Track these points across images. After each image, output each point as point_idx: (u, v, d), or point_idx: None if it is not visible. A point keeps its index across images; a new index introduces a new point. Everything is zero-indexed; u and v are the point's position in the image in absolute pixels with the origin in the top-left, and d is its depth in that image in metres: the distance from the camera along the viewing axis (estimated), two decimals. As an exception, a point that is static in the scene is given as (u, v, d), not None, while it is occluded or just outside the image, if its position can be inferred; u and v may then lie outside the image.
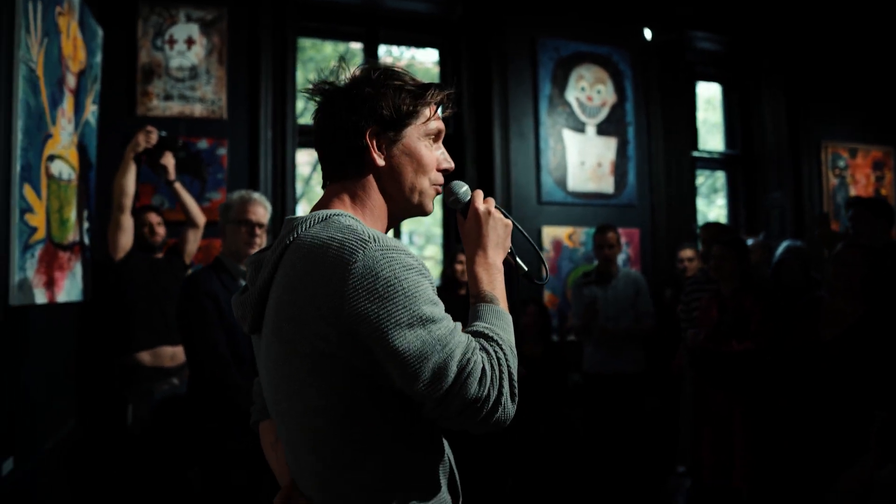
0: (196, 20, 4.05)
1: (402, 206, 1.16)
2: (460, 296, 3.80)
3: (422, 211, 1.19)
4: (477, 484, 3.63)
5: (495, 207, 1.22)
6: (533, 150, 4.85)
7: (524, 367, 3.89)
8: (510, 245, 1.23)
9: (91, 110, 3.39)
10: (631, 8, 5.15)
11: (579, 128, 4.99)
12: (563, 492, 3.90)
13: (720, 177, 6.35)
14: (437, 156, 1.18)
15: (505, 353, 1.00)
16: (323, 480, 1.03)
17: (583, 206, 4.93)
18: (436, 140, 1.18)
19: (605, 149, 5.04)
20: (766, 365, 3.14)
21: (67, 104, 2.99)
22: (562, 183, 4.89)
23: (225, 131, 4.07)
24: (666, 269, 4.95)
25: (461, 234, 1.23)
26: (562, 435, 3.92)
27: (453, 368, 0.94)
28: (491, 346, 1.00)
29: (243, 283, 1.16)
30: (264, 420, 1.27)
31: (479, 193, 1.23)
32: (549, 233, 4.81)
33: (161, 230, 3.32)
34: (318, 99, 1.15)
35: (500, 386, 0.97)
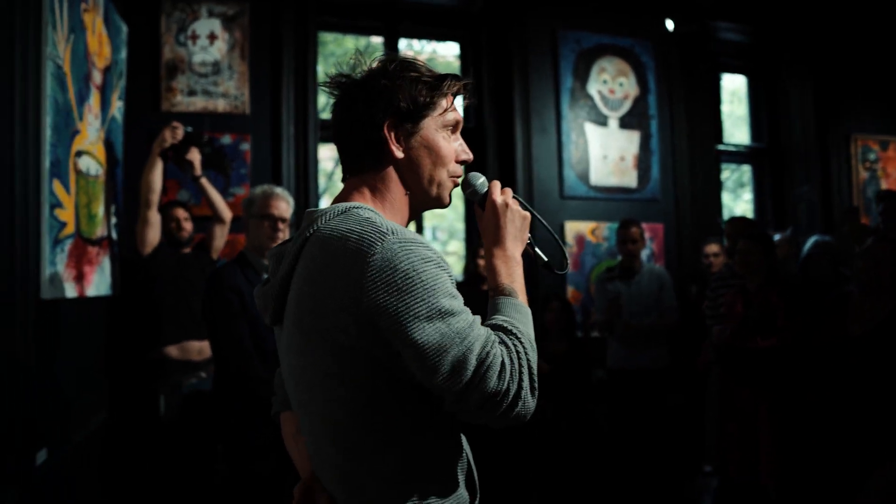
0: (218, 15, 4.07)
1: (421, 199, 1.16)
2: (483, 291, 3.78)
3: (440, 203, 1.18)
4: (500, 481, 3.62)
5: (513, 198, 1.21)
6: (555, 144, 4.81)
7: (548, 363, 3.88)
8: (529, 236, 1.22)
9: (117, 106, 3.43)
10: (654, -1, 5.08)
11: (601, 121, 4.94)
12: (587, 490, 3.87)
13: (746, 171, 6.26)
14: (455, 147, 1.17)
15: (524, 347, 1.00)
16: (342, 472, 1.03)
17: (605, 201, 4.89)
18: (454, 131, 1.17)
19: (628, 142, 4.99)
20: (793, 361, 3.09)
21: (94, 100, 3.02)
22: (584, 177, 4.85)
23: (248, 126, 4.10)
24: (690, 265, 4.89)
25: (479, 226, 1.22)
26: (585, 432, 3.89)
27: (472, 362, 0.94)
28: (510, 339, 1.00)
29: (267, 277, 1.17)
30: (286, 411, 1.28)
31: (497, 185, 1.22)
32: (572, 228, 4.78)
33: (188, 225, 3.35)
34: (335, 93, 1.15)
35: (520, 380, 0.97)
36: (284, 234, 2.55)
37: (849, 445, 2.78)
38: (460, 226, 6.15)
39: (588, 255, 4.80)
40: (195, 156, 3.19)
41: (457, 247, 8.57)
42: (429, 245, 1.01)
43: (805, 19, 5.44)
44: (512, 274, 1.13)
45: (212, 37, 4.06)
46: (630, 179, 4.97)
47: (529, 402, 0.98)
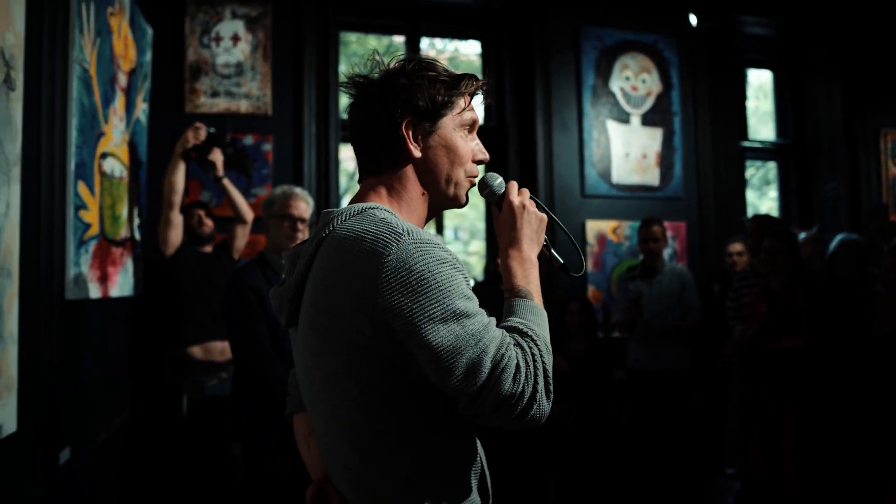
0: (241, 16, 4.11)
1: (438, 198, 1.16)
2: (503, 291, 3.78)
3: (457, 203, 1.18)
4: (520, 483, 3.61)
5: (530, 199, 1.20)
6: (576, 142, 4.77)
7: (568, 364, 3.85)
8: (545, 238, 1.21)
9: (142, 108, 3.47)
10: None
11: (624, 118, 4.89)
12: (607, 492, 3.84)
13: (772, 168, 6.15)
14: (472, 147, 1.17)
15: (539, 349, 0.99)
16: (356, 473, 1.03)
17: (627, 199, 4.84)
18: (471, 131, 1.17)
19: (651, 140, 4.93)
20: (818, 362, 3.04)
21: (119, 102, 3.07)
22: (606, 175, 4.80)
23: (270, 127, 4.13)
24: (714, 264, 4.83)
25: (496, 227, 1.22)
26: (606, 433, 3.86)
27: (487, 364, 0.93)
28: (525, 341, 0.99)
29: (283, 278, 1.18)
30: (299, 412, 1.28)
31: (514, 185, 1.22)
32: (594, 227, 4.74)
33: (209, 221, 3.38)
34: (352, 93, 1.15)
35: (535, 382, 0.96)
36: (304, 234, 2.56)
37: (874, 448, 2.73)
38: (482, 225, 6.14)
39: (609, 254, 4.76)
40: (217, 156, 3.22)
41: (478, 247, 8.56)
42: (444, 246, 1.00)
43: (832, 12, 5.32)
44: (528, 275, 1.12)
45: (235, 38, 4.10)
46: (652, 177, 4.91)
47: (544, 404, 0.97)
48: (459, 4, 4.90)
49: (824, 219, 5.23)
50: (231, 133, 3.98)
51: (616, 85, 4.89)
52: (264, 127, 4.11)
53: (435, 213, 1.20)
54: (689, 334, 4.00)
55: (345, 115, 1.24)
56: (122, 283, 3.06)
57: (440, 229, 4.96)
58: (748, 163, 5.76)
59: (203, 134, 3.15)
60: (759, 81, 6.54)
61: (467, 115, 1.15)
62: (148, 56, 3.60)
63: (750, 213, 5.29)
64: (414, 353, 0.95)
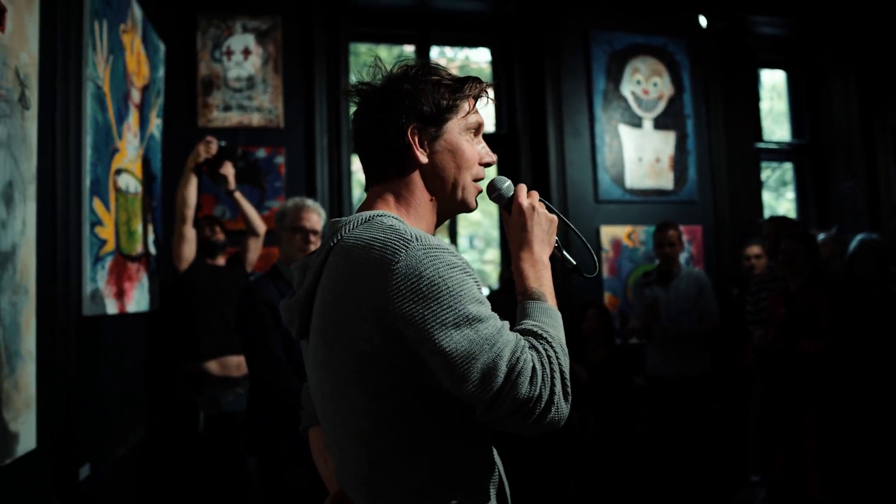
0: (252, 30, 4.14)
1: (447, 204, 1.15)
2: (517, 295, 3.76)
3: (465, 207, 1.17)
4: (539, 492, 3.57)
5: (539, 201, 1.19)
6: (588, 148, 4.75)
7: (587, 371, 3.82)
8: (556, 239, 1.20)
9: (155, 124, 3.50)
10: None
11: (636, 122, 4.86)
12: (628, 501, 3.79)
13: (789, 169, 6.08)
14: (478, 150, 1.16)
15: (555, 351, 0.98)
16: (368, 483, 1.02)
17: (642, 204, 4.80)
18: (476, 134, 1.17)
19: (664, 143, 4.89)
20: (839, 364, 2.99)
21: (133, 119, 3.09)
22: (619, 180, 4.77)
23: (282, 139, 4.14)
24: (731, 267, 4.77)
25: (506, 230, 1.21)
26: (626, 441, 3.81)
27: (503, 368, 0.92)
28: (540, 343, 0.98)
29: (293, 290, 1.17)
30: (314, 426, 1.27)
31: (523, 188, 1.21)
32: (608, 232, 4.71)
33: (219, 231, 3.39)
34: (356, 101, 1.15)
35: (552, 385, 0.94)
36: (316, 246, 2.56)
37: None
38: (497, 234, 6.12)
39: (625, 259, 4.72)
40: (229, 170, 3.24)
41: (494, 255, 8.55)
42: (454, 251, 0.99)
43: (845, 10, 5.26)
44: (540, 277, 1.11)
45: (246, 52, 4.13)
46: (666, 181, 4.87)
47: (563, 407, 0.95)
48: (469, 12, 4.91)
49: (843, 219, 5.16)
50: (243, 146, 4.00)
51: (627, 89, 4.86)
52: (276, 140, 4.13)
53: (444, 219, 1.19)
54: (708, 339, 3.95)
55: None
56: (138, 299, 3.07)
57: (454, 237, 4.95)
58: (764, 164, 5.69)
59: (214, 148, 3.16)
60: (773, 82, 6.48)
61: (472, 119, 1.15)
62: (161, 72, 3.63)
63: (767, 214, 5.22)
64: (427, 361, 0.94)
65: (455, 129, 1.12)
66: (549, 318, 1.04)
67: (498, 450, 1.13)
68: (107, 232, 2.68)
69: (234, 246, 3.50)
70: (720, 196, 4.94)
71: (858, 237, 3.73)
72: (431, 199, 1.14)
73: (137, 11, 3.15)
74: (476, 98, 1.16)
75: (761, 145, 5.37)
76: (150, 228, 3.28)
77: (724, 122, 5.01)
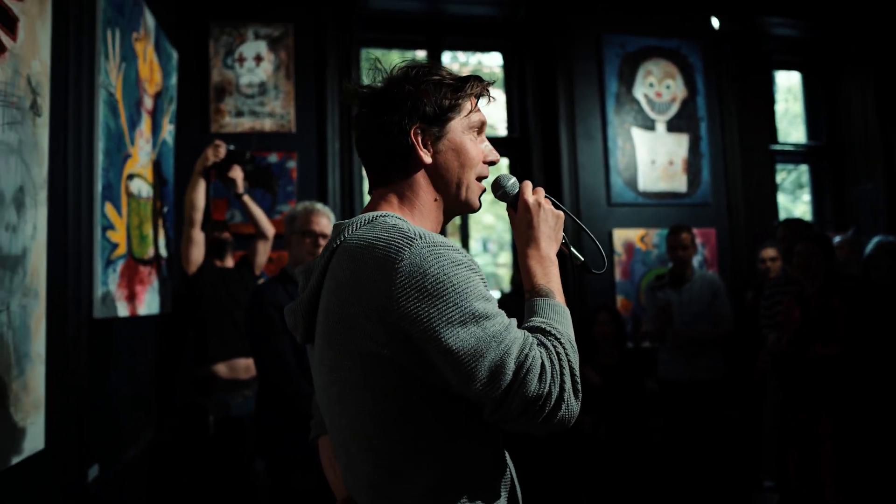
0: (264, 37, 4.18)
1: (451, 203, 1.15)
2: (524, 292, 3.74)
3: (470, 207, 1.17)
4: (551, 497, 3.55)
5: (545, 197, 1.18)
6: (601, 151, 4.73)
7: (599, 375, 3.79)
8: (563, 236, 1.19)
9: (168, 130, 3.55)
10: (700, -2, 4.94)
11: (649, 125, 4.83)
12: (641, 505, 3.76)
13: (805, 171, 6.01)
14: (482, 148, 1.16)
15: (564, 348, 0.96)
16: (376, 487, 1.00)
17: (655, 207, 4.77)
18: (479, 133, 1.16)
19: (677, 146, 4.86)
20: (856, 369, 2.93)
21: (145, 125, 3.14)
22: (632, 183, 4.74)
23: (294, 144, 4.17)
24: (746, 271, 4.72)
25: (512, 228, 1.20)
26: (638, 446, 3.78)
27: (511, 366, 0.91)
28: (549, 340, 0.96)
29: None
30: (324, 435, 1.26)
31: (528, 184, 1.20)
32: (621, 235, 4.68)
33: (226, 232, 3.42)
34: (357, 104, 1.15)
35: (562, 381, 0.93)
36: (326, 249, 2.57)
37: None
38: (510, 237, 6.11)
39: (638, 262, 4.69)
40: (237, 173, 3.26)
41: (507, 258, 8.56)
42: (458, 248, 0.98)
43: (862, 11, 5.19)
44: (548, 274, 1.10)
45: (258, 58, 4.17)
46: (680, 184, 4.83)
47: (573, 404, 0.94)
48: (480, 17, 4.92)
49: (860, 221, 5.08)
50: (255, 151, 4.03)
51: (640, 92, 4.83)
52: (288, 145, 4.16)
53: (448, 220, 1.18)
54: (722, 343, 3.90)
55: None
56: (149, 302, 3.11)
57: (465, 241, 4.95)
58: (779, 166, 5.63)
59: (223, 151, 3.19)
60: (789, 83, 6.41)
61: (475, 117, 1.14)
62: (174, 79, 3.68)
63: (783, 217, 5.16)
64: (434, 360, 0.93)
65: (458, 128, 1.12)
66: (558, 315, 1.03)
67: (509, 452, 1.12)
68: (118, 236, 2.72)
69: (244, 249, 3.53)
70: (734, 199, 4.88)
71: (875, 239, 3.68)
72: (436, 200, 1.13)
73: (150, 20, 3.20)
74: (478, 97, 1.16)
75: (776, 147, 5.31)
76: (162, 232, 3.31)
77: (739, 124, 4.95)
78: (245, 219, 3.68)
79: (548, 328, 0.98)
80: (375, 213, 1.06)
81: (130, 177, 2.89)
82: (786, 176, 7.51)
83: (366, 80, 1.15)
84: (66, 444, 2.12)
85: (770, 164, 5.14)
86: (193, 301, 3.19)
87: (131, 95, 2.92)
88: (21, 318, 1.84)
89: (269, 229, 3.37)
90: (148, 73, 3.19)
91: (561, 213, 1.18)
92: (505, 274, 8.05)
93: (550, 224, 1.16)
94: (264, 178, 4.07)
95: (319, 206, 2.62)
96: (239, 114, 4.10)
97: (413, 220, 1.10)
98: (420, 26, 4.83)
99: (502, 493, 1.04)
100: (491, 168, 1.20)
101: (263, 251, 3.37)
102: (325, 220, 2.61)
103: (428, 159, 1.10)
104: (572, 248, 1.25)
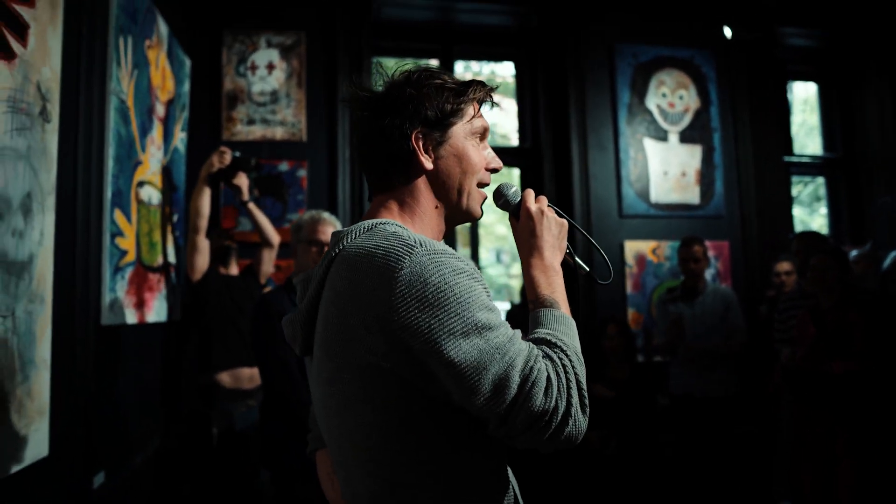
0: (276, 45, 4.20)
1: (452, 211, 1.12)
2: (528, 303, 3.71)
3: (471, 215, 1.14)
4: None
5: (548, 206, 1.15)
6: (613, 162, 4.70)
7: (610, 389, 3.74)
8: (567, 245, 1.16)
9: (180, 137, 3.57)
10: (713, 7, 4.90)
11: (661, 136, 4.79)
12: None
13: (823, 183, 5.93)
14: (484, 155, 1.13)
15: (571, 360, 0.93)
16: (377, 501, 0.97)
17: (667, 219, 4.72)
18: (482, 139, 1.14)
19: (690, 157, 4.81)
20: (873, 386, 2.87)
21: (157, 132, 3.15)
22: (644, 195, 4.70)
23: (304, 153, 4.18)
24: (760, 284, 4.65)
25: (514, 237, 1.17)
26: (649, 462, 3.72)
27: (515, 379, 0.87)
28: (555, 352, 0.93)
29: None
30: (322, 449, 1.24)
31: (530, 193, 1.17)
32: (632, 247, 4.63)
33: (229, 239, 3.43)
34: (357, 107, 1.12)
35: (569, 395, 0.90)
36: (331, 258, 2.56)
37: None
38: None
39: (649, 275, 4.64)
40: (242, 180, 3.26)
41: (520, 269, 8.57)
42: (460, 256, 0.96)
43: (879, 20, 5.13)
44: (552, 284, 1.07)
45: (270, 67, 4.18)
46: (692, 195, 4.78)
47: (580, 420, 0.90)
48: (492, 26, 4.91)
49: (878, 235, 5.00)
50: (266, 160, 4.04)
51: (652, 102, 4.80)
52: (299, 153, 4.17)
53: (450, 227, 1.16)
54: (735, 358, 3.84)
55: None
56: (158, 309, 3.11)
57: (476, 251, 4.92)
58: (795, 179, 5.56)
59: (228, 158, 3.19)
60: (806, 95, 6.35)
61: (477, 123, 1.12)
62: (186, 86, 3.70)
63: (799, 230, 5.09)
64: (435, 372, 0.90)
65: (460, 133, 1.10)
66: (563, 326, 1.00)
67: (513, 468, 1.09)
68: (127, 243, 2.73)
69: (249, 257, 3.53)
70: (748, 211, 4.83)
71: (893, 253, 3.62)
72: (437, 207, 1.11)
73: (163, 28, 3.22)
74: (481, 102, 1.13)
75: (791, 159, 5.24)
76: (172, 240, 3.32)
77: (753, 135, 4.91)
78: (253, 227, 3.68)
79: (553, 340, 0.95)
80: (375, 221, 1.03)
81: (141, 184, 2.90)
82: (802, 188, 7.43)
83: (367, 84, 1.13)
84: (70, 450, 2.11)
85: (785, 176, 5.08)
86: (198, 308, 3.18)
87: (143, 102, 2.94)
88: (26, 323, 1.84)
89: (275, 237, 3.36)
90: (160, 81, 3.21)
91: (565, 221, 1.16)
92: (517, 285, 8.02)
93: (554, 233, 1.13)
94: (275, 186, 4.08)
95: (326, 214, 2.61)
96: (251, 122, 4.12)
97: (413, 227, 1.08)
98: (432, 35, 4.84)
99: None
100: (493, 176, 1.17)
101: (269, 259, 3.37)
102: (332, 229, 2.60)
103: (429, 165, 1.08)
104: (577, 258, 1.22)
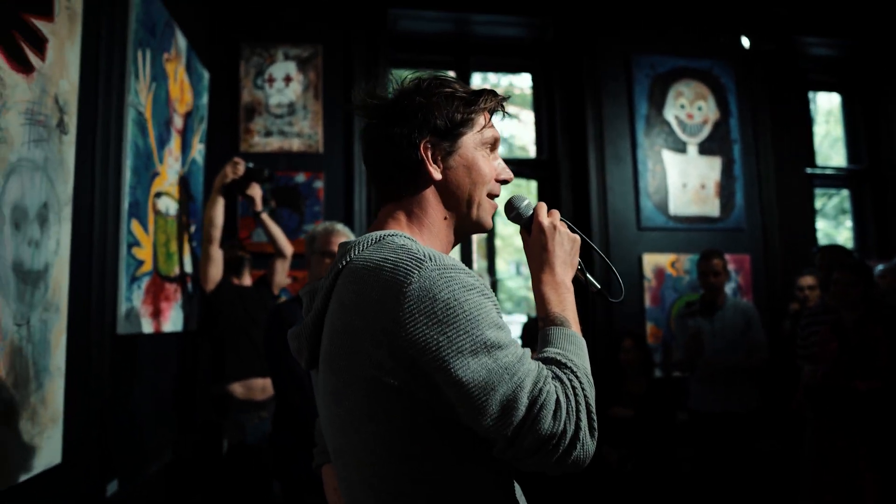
0: (293, 58, 4.24)
1: (461, 222, 1.10)
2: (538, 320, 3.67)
3: (481, 226, 1.12)
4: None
5: (561, 220, 1.13)
6: (631, 174, 4.65)
7: (627, 404, 3.68)
8: (580, 261, 1.13)
9: (198, 149, 3.61)
10: (732, 17, 4.85)
11: (680, 148, 4.75)
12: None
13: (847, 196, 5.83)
14: (494, 165, 1.11)
15: (581, 382, 0.91)
16: None
17: (686, 231, 4.66)
18: (493, 149, 1.11)
19: (709, 169, 4.75)
20: (898, 404, 2.79)
21: (175, 144, 3.19)
22: (662, 207, 4.65)
23: (321, 164, 4.21)
24: (783, 299, 4.56)
25: (525, 252, 1.14)
26: (668, 480, 3.64)
27: (523, 400, 0.85)
28: (564, 373, 0.91)
29: None
30: (328, 463, 1.22)
31: (543, 206, 1.15)
32: (651, 260, 4.58)
33: (242, 249, 3.44)
34: (366, 115, 1.10)
35: (578, 419, 0.87)
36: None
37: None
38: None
39: (668, 288, 4.57)
40: (256, 191, 3.29)
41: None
42: (470, 271, 0.93)
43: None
44: (563, 301, 1.04)
45: (287, 79, 4.23)
46: (712, 208, 4.72)
47: (588, 444, 0.88)
48: (509, 38, 4.92)
49: (904, 248, 4.89)
50: (283, 171, 4.07)
51: (670, 113, 4.76)
52: (316, 164, 4.20)
53: (459, 239, 1.14)
54: (756, 374, 3.76)
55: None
56: (175, 319, 3.14)
57: (492, 263, 4.90)
58: (818, 191, 5.47)
59: (241, 169, 3.21)
60: (830, 106, 6.26)
61: (488, 133, 1.09)
62: (205, 99, 3.75)
63: (824, 243, 5.00)
64: (442, 390, 0.88)
65: (470, 143, 1.07)
66: (574, 346, 0.97)
67: (525, 487, 1.06)
68: (144, 253, 2.75)
69: (263, 268, 3.54)
70: (770, 224, 4.75)
71: (920, 268, 3.53)
72: (446, 218, 1.09)
73: (182, 41, 3.27)
74: (492, 112, 1.11)
75: (814, 171, 5.15)
76: (189, 250, 3.35)
77: (774, 146, 4.84)
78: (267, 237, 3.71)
79: (563, 360, 0.93)
80: (383, 233, 1.01)
81: (158, 195, 2.94)
82: (826, 201, 7.31)
83: (377, 92, 1.11)
84: (83, 458, 2.13)
85: (808, 188, 4.99)
86: (211, 319, 3.20)
87: (161, 114, 2.98)
88: (41, 332, 1.86)
89: (288, 248, 3.38)
90: (178, 93, 3.26)
91: (577, 237, 1.13)
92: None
93: (566, 248, 1.10)
94: (291, 197, 4.10)
95: (340, 226, 2.61)
96: (268, 133, 4.16)
97: (422, 239, 1.06)
98: (448, 47, 4.86)
99: None
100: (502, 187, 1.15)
101: (282, 270, 3.38)
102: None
103: (437, 175, 1.06)
104: (588, 275, 1.19)
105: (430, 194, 1.07)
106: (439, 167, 1.06)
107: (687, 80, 4.80)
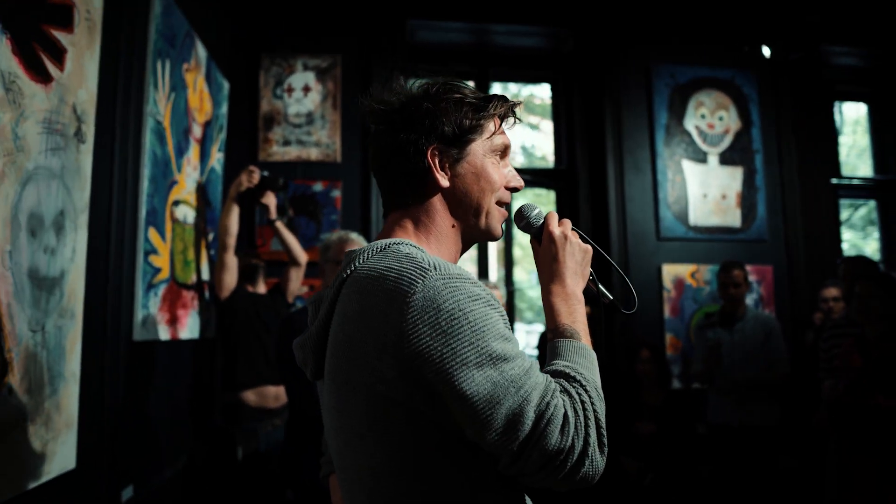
0: (312, 68, 4.28)
1: (470, 231, 1.08)
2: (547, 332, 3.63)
3: (490, 235, 1.09)
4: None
5: (572, 230, 1.10)
6: (650, 184, 4.61)
7: (644, 415, 3.63)
8: (591, 272, 1.11)
9: (216, 158, 3.65)
10: (754, 27, 4.80)
11: (700, 158, 4.69)
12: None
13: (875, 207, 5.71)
14: (504, 173, 1.09)
15: (590, 396, 0.88)
16: None
17: (706, 242, 4.60)
18: (503, 156, 1.09)
19: (730, 179, 4.69)
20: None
21: (193, 152, 3.23)
22: (682, 217, 4.59)
23: (339, 173, 4.23)
24: (807, 310, 4.47)
25: (535, 262, 1.11)
26: (687, 494, 3.57)
27: (530, 415, 0.83)
28: (573, 387, 0.88)
29: None
30: (333, 473, 1.20)
31: (554, 215, 1.12)
32: (670, 271, 4.52)
33: (256, 257, 3.47)
34: (373, 121, 1.09)
35: (586, 434, 0.85)
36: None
37: None
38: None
39: (688, 299, 4.51)
40: (270, 199, 3.31)
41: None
42: (476, 281, 0.91)
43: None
44: (573, 313, 1.02)
45: (306, 89, 4.27)
46: (733, 218, 4.65)
47: (597, 460, 0.85)
48: (528, 48, 4.92)
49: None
50: (301, 180, 4.10)
51: (691, 123, 4.71)
52: (333, 173, 4.22)
53: (467, 248, 1.11)
54: (776, 387, 3.68)
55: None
56: (191, 326, 3.16)
57: (510, 273, 4.87)
58: (844, 202, 5.36)
59: (256, 177, 3.24)
60: (857, 116, 6.14)
61: (498, 140, 1.07)
62: (224, 108, 3.79)
63: (852, 255, 4.89)
64: (446, 403, 0.86)
65: (479, 150, 1.05)
66: (583, 359, 0.95)
67: (538, 499, 1.04)
68: (161, 260, 2.78)
69: (277, 276, 3.56)
70: (792, 235, 4.66)
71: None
72: (454, 226, 1.06)
73: (202, 51, 3.31)
74: (502, 118, 1.09)
75: (839, 181, 5.05)
76: (206, 258, 3.38)
77: (798, 157, 4.76)
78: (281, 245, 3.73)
79: (572, 373, 0.91)
80: (389, 241, 0.99)
81: (176, 203, 2.97)
82: (852, 212, 7.16)
83: (385, 97, 1.09)
84: (97, 464, 2.14)
85: (833, 198, 4.90)
86: (225, 326, 3.22)
87: (180, 124, 3.02)
88: (56, 338, 1.88)
89: (302, 256, 3.39)
90: (198, 103, 3.30)
91: (589, 247, 1.11)
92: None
93: (577, 259, 1.08)
94: (309, 206, 4.13)
95: (354, 235, 2.61)
96: (286, 143, 4.19)
97: (429, 247, 1.04)
98: (467, 57, 4.87)
99: None
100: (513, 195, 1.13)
101: (296, 278, 3.39)
102: (359, 250, 2.61)
103: (445, 183, 1.04)
104: (601, 286, 1.16)
105: (438, 202, 1.05)
106: (447, 174, 1.04)
107: (708, 90, 4.75)
